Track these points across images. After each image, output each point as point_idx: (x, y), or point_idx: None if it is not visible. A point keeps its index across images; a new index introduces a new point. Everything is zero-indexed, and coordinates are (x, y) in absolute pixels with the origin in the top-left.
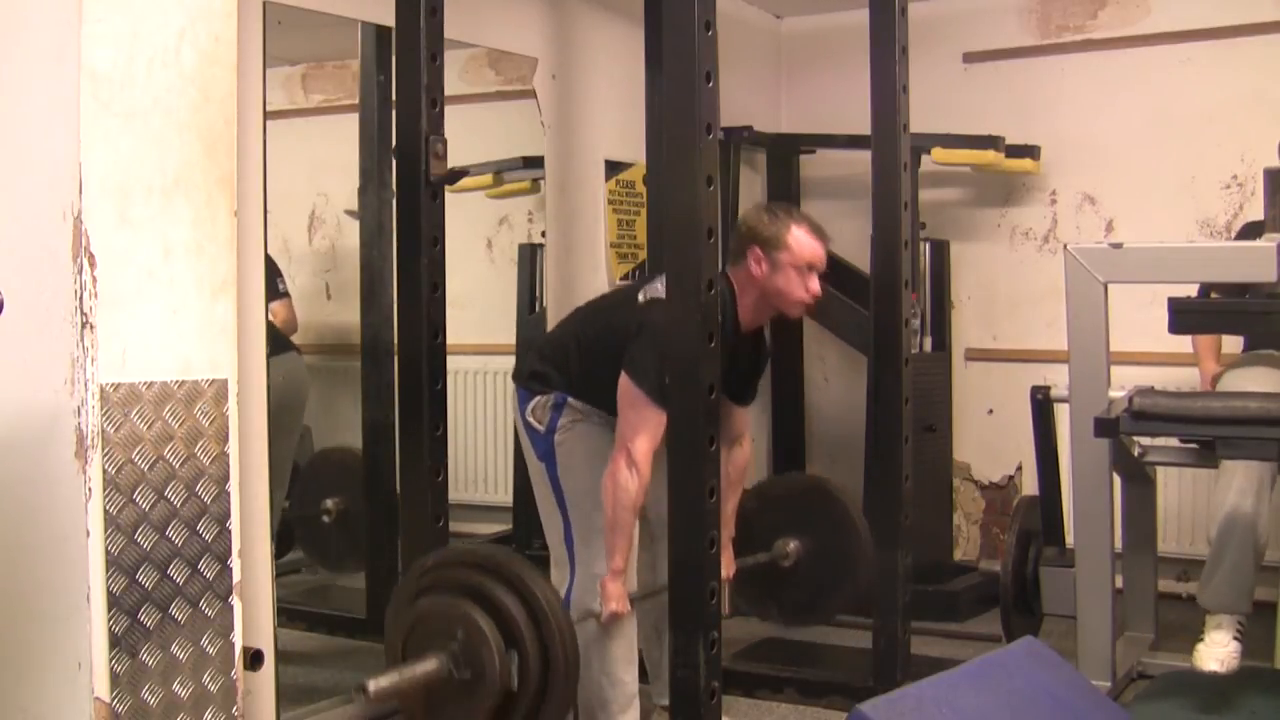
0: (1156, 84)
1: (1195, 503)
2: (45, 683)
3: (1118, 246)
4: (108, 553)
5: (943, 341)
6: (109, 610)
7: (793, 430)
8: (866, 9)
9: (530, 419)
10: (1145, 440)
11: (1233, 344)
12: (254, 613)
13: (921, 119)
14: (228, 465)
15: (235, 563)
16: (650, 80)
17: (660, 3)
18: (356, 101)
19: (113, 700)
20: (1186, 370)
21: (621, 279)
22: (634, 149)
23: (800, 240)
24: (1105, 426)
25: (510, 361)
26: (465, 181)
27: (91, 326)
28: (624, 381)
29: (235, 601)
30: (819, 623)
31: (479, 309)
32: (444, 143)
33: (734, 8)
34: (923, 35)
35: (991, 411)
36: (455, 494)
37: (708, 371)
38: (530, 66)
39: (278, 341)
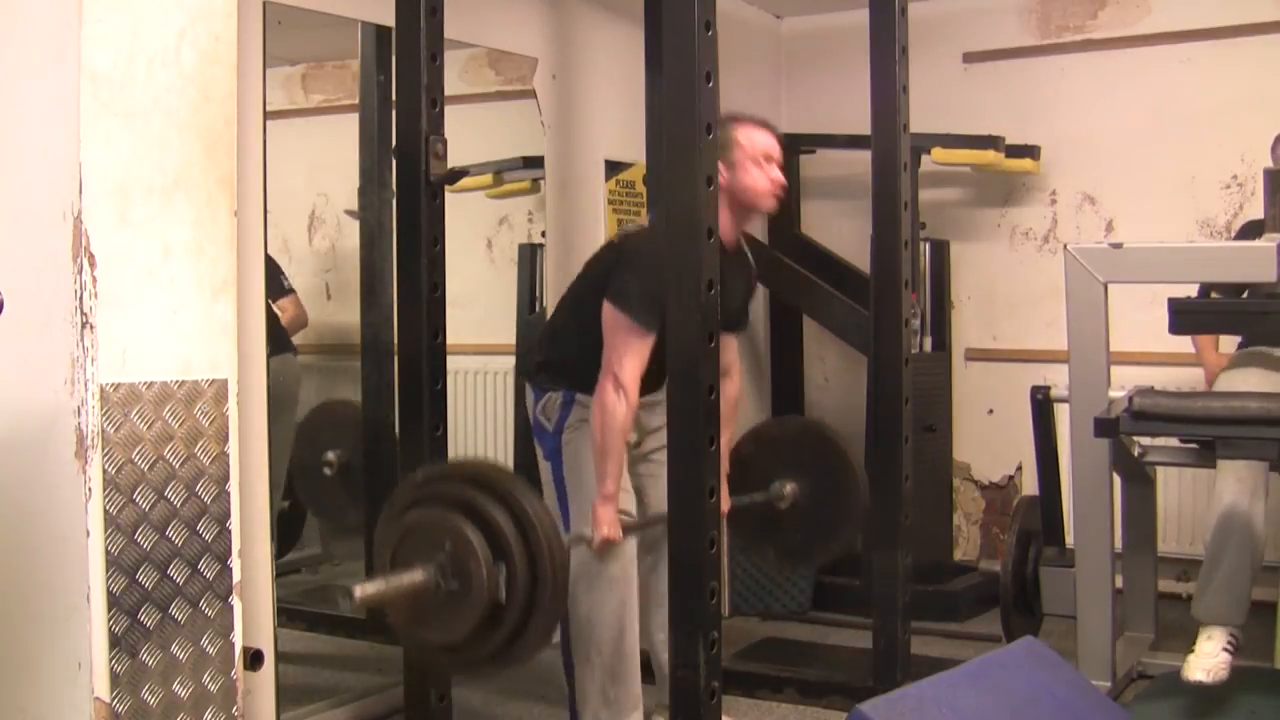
0: (1156, 84)
1: (1195, 503)
2: (45, 683)
3: (1118, 246)
4: (108, 553)
5: (943, 341)
6: (109, 610)
7: None
8: (866, 9)
9: (540, 417)
10: (1145, 440)
11: (1229, 341)
12: (254, 613)
13: (921, 119)
14: (228, 465)
15: (235, 563)
16: (650, 80)
17: (660, 3)
18: (356, 101)
19: (113, 700)
20: (1186, 370)
21: None
22: (634, 149)
23: (750, 135)
24: (1105, 426)
25: (510, 361)
26: (465, 181)
27: (91, 326)
28: (607, 308)
29: (235, 601)
30: (814, 565)
31: (479, 309)
32: (444, 143)
33: (734, 8)
34: (923, 35)
35: (991, 411)
36: None
37: (708, 371)
38: (530, 66)
39: (275, 342)
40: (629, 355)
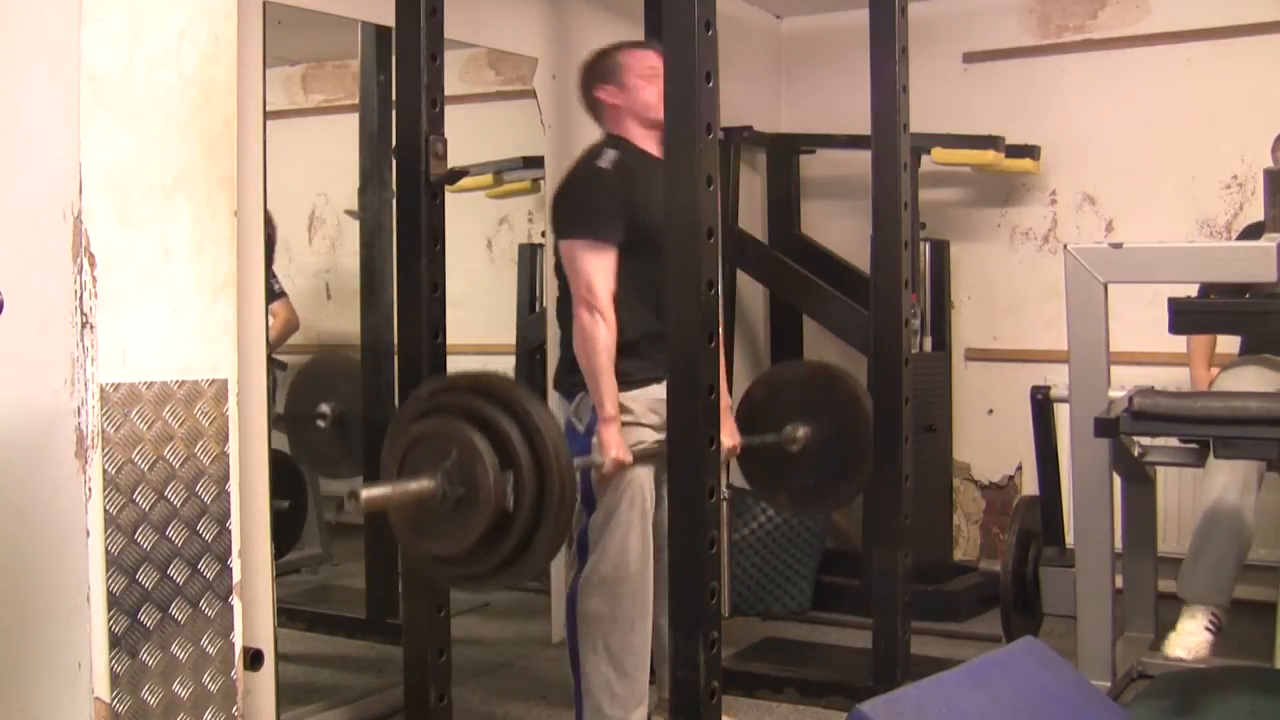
0: (1156, 84)
1: (1195, 503)
2: (45, 683)
3: (1118, 246)
4: (108, 553)
5: (943, 341)
6: (109, 610)
7: None
8: (866, 9)
9: (573, 418)
10: (1145, 440)
11: (1228, 345)
12: (254, 613)
13: (921, 119)
14: (228, 465)
15: (235, 563)
16: None
17: (660, 3)
18: (356, 101)
19: (113, 700)
20: (1186, 370)
21: None
22: None
23: (632, 54)
24: (1105, 426)
25: (510, 361)
26: (465, 181)
27: (91, 326)
28: (561, 246)
29: (235, 601)
30: (828, 509)
31: (479, 309)
32: (444, 143)
33: (734, 8)
34: (923, 35)
35: (991, 411)
36: None
37: (708, 371)
38: (530, 66)
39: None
40: (594, 275)
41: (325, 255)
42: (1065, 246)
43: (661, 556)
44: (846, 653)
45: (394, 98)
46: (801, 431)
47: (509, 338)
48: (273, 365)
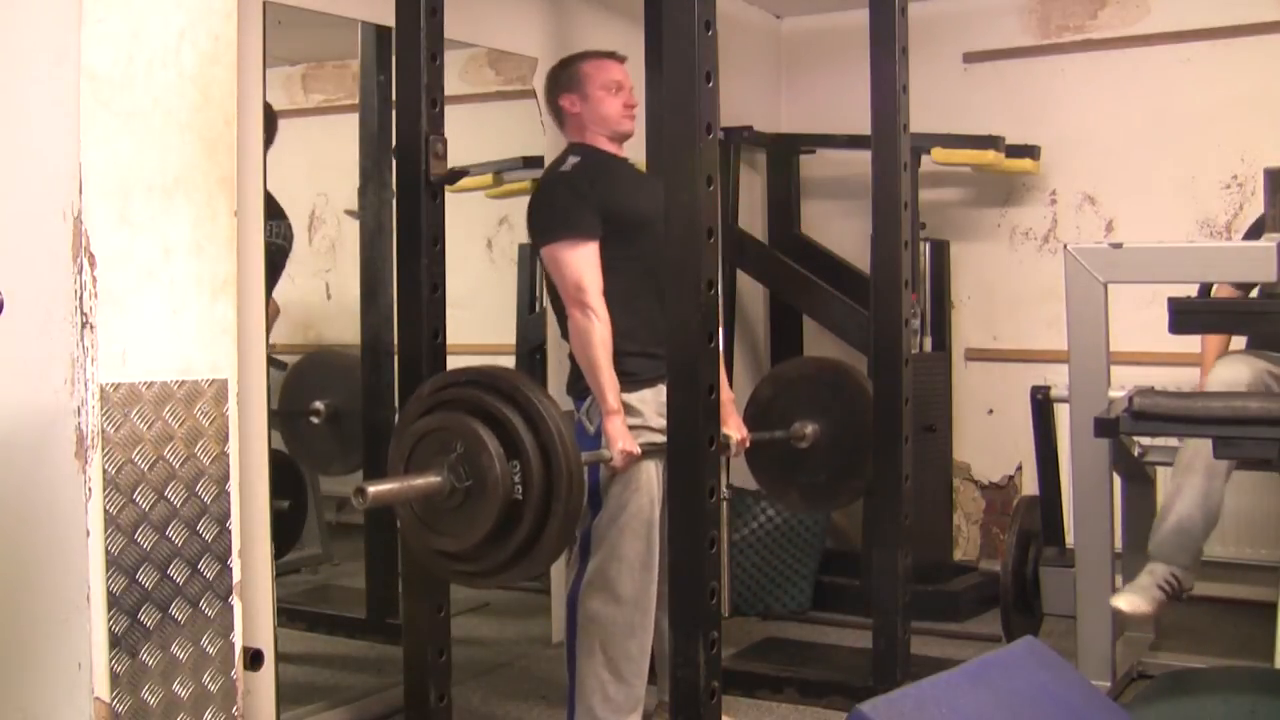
0: (1156, 84)
1: None
2: (45, 683)
3: (1118, 246)
4: (108, 553)
5: (943, 341)
6: (109, 610)
7: None
8: (866, 9)
9: (584, 419)
10: (1145, 440)
11: (1242, 345)
12: (254, 613)
13: (921, 119)
14: (228, 465)
15: (235, 563)
16: (650, 80)
17: (660, 3)
18: (356, 101)
19: (113, 700)
20: (1186, 370)
21: None
22: (634, 149)
23: (596, 64)
24: (1105, 426)
25: (510, 361)
26: (465, 181)
27: (91, 326)
28: (543, 254)
29: (235, 601)
30: (837, 506)
31: (479, 309)
32: (444, 143)
33: (734, 8)
34: (923, 35)
35: (991, 411)
36: None
37: (708, 371)
38: (530, 66)
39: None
40: (580, 272)
41: (325, 255)
42: (1065, 246)
43: (662, 557)
44: (846, 653)
45: (394, 98)
46: (810, 428)
47: (509, 338)
48: (271, 365)
